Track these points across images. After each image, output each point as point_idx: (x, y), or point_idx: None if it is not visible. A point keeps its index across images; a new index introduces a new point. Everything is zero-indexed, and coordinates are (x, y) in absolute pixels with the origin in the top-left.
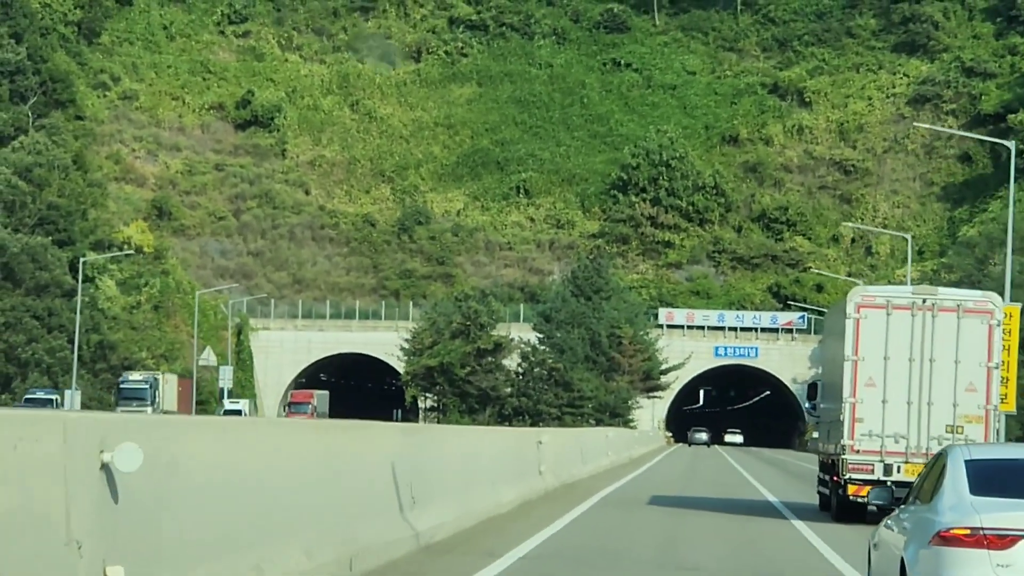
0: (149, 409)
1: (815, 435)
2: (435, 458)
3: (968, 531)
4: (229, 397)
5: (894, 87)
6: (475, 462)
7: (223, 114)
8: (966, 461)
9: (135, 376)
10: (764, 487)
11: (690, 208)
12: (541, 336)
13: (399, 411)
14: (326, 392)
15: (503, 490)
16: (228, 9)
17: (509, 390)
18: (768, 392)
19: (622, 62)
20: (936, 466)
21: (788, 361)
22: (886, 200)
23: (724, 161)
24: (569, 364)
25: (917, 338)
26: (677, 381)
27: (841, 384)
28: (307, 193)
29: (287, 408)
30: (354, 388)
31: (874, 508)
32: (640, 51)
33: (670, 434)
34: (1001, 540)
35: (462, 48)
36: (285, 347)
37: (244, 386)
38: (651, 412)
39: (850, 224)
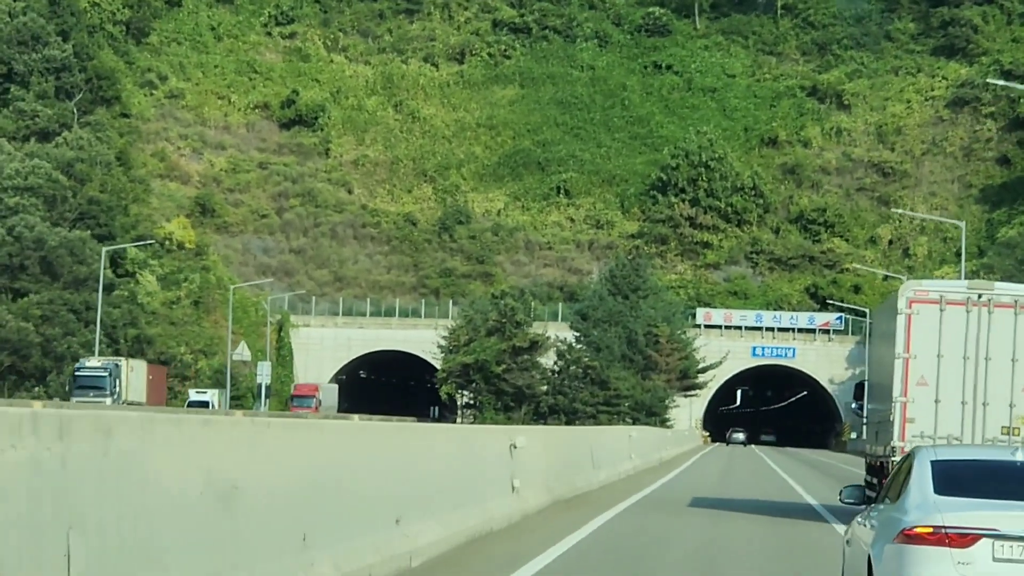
0: (108, 400)
1: (853, 435)
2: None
3: (930, 530)
4: (266, 394)
5: (932, 90)
6: (361, 484)
7: (268, 113)
8: (932, 461)
9: (92, 363)
10: (808, 492)
11: (728, 209)
12: (578, 334)
13: (436, 408)
14: (334, 385)
15: (420, 526)
16: (275, 11)
17: (545, 388)
18: (805, 392)
19: (663, 65)
20: (904, 466)
21: (825, 362)
22: (924, 202)
23: (763, 163)
24: (605, 362)
25: (972, 335)
26: (714, 380)
27: (890, 384)
28: (350, 192)
29: (290, 402)
30: (393, 385)
31: None
32: (681, 54)
33: (707, 433)
34: (962, 538)
35: (505, 50)
36: (325, 344)
37: (283, 382)
38: (688, 411)
39: (899, 211)
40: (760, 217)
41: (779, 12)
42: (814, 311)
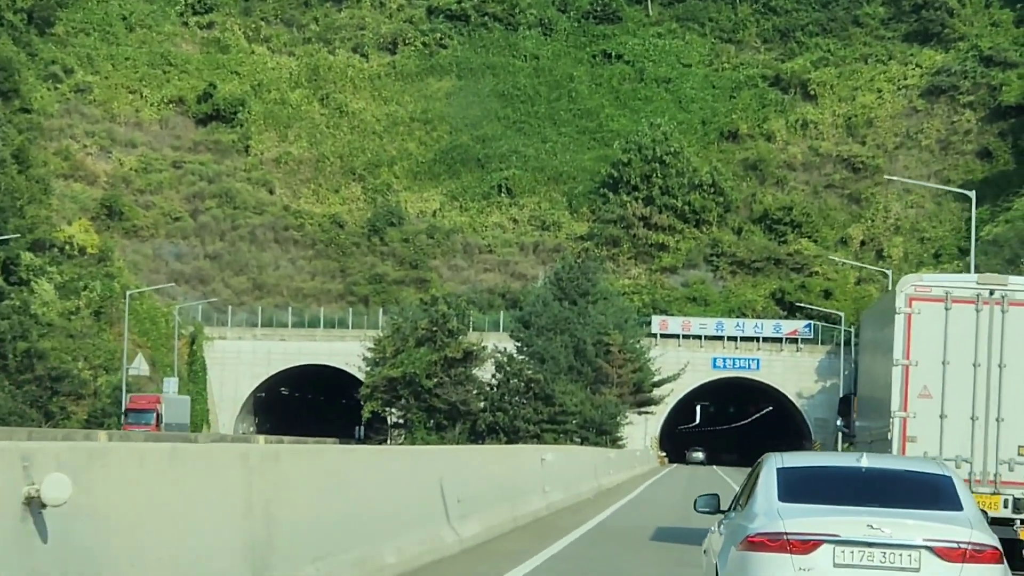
0: None
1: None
2: None
3: (772, 536)
4: None
5: (906, 79)
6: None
7: (183, 109)
8: (778, 469)
9: None
10: None
11: (686, 208)
12: (519, 344)
13: (360, 428)
14: (185, 398)
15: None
16: None
17: (482, 404)
18: (771, 408)
19: (613, 54)
20: (754, 474)
21: (793, 373)
22: (899, 199)
23: (723, 158)
24: (550, 375)
25: (983, 338)
26: (672, 395)
27: (884, 396)
28: (271, 192)
29: (124, 417)
30: (319, 403)
31: None
32: (632, 42)
33: (664, 454)
34: (803, 545)
35: (441, 39)
36: (243, 358)
37: (195, 400)
38: (643, 429)
39: (897, 180)
40: (720, 217)
41: None
42: (780, 318)
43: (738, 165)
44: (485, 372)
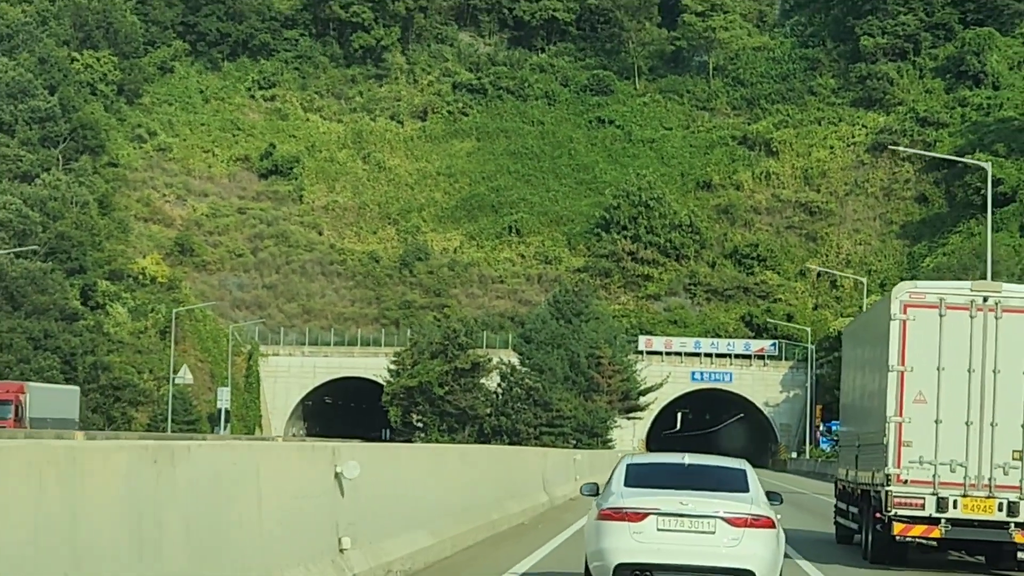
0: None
1: (793, 455)
2: None
3: (615, 510)
4: (227, 419)
5: (854, 136)
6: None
7: (248, 165)
8: (627, 464)
9: None
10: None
11: (667, 245)
12: (521, 356)
13: (387, 430)
14: (72, 388)
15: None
16: (259, 75)
17: (488, 410)
18: (742, 415)
19: (606, 119)
20: (614, 468)
21: (761, 385)
22: (849, 238)
23: (699, 204)
24: (548, 384)
25: (978, 344)
26: (656, 403)
27: (875, 403)
28: (320, 233)
29: None
30: (352, 409)
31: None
32: (622, 110)
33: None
34: (636, 516)
35: (463, 108)
36: (292, 371)
37: (249, 407)
38: (632, 432)
39: (815, 267)
40: (697, 252)
41: (711, 72)
42: (749, 338)
43: (712, 209)
44: (491, 382)
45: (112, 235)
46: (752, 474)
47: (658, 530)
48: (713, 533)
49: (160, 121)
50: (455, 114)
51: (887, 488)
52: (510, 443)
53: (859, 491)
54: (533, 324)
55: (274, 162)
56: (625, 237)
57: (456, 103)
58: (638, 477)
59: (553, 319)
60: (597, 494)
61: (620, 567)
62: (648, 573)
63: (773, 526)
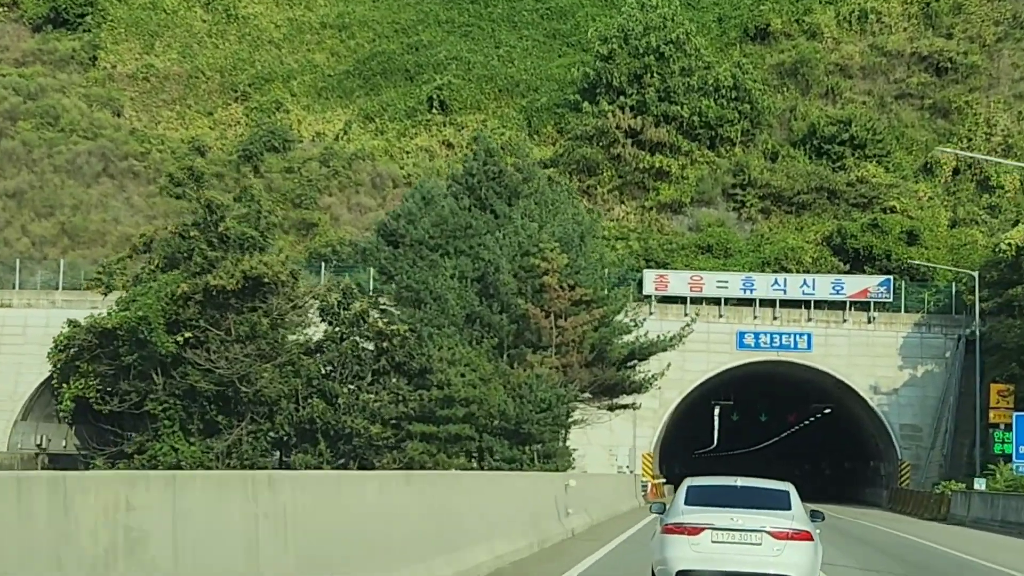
0: None
1: (941, 492)
2: None
3: (676, 525)
4: None
5: None
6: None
7: (17, 13)
8: (688, 485)
9: None
10: None
11: (696, 119)
12: (379, 276)
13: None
14: None
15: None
16: None
17: (288, 389)
18: (828, 409)
19: None
20: (677, 489)
21: (864, 356)
22: (1006, 109)
23: (749, 61)
24: (427, 330)
25: None
26: (671, 386)
27: None
28: (117, 115)
29: None
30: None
31: None
32: None
33: (663, 479)
34: (695, 530)
35: None
36: (32, 333)
37: None
38: (622, 436)
39: (949, 154)
40: (747, 133)
41: None
42: (842, 273)
43: (771, 70)
44: (312, 330)
45: None
46: (794, 494)
47: (712, 542)
48: (759, 545)
49: None
50: None
51: None
52: (335, 463)
53: None
54: (407, 208)
55: (54, 6)
56: (623, 107)
57: None
58: (697, 497)
59: (451, 197)
60: (663, 512)
61: (680, 573)
62: None
63: (811, 539)
